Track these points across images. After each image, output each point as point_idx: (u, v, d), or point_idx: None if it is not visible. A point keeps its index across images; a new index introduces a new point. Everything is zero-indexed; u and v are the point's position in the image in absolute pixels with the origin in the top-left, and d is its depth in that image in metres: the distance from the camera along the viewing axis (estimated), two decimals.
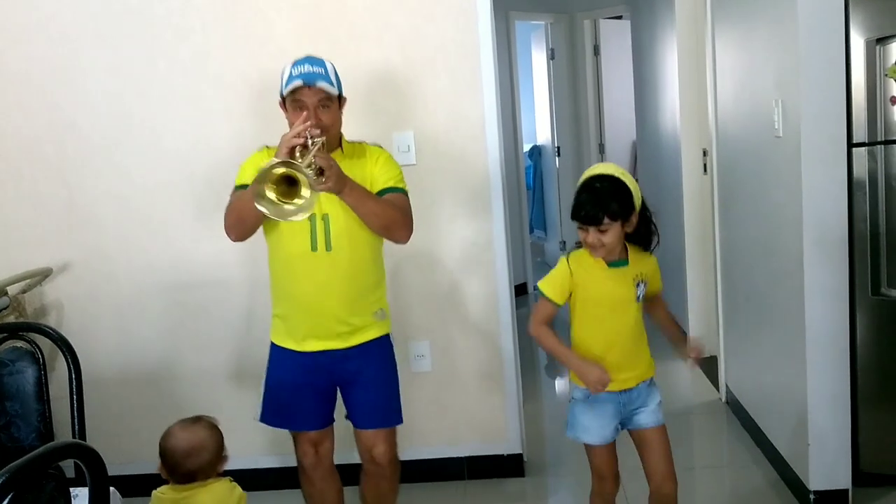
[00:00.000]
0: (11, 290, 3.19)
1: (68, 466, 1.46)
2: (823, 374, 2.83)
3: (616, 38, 7.01)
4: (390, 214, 2.34)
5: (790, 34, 2.79)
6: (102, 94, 3.28)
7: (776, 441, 3.26)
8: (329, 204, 2.32)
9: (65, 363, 2.27)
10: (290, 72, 2.33)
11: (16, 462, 1.25)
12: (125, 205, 3.33)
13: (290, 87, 2.30)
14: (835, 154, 2.73)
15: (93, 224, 3.35)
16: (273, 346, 2.53)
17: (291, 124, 2.30)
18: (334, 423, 2.59)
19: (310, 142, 2.17)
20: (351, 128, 2.51)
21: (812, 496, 2.89)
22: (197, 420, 2.19)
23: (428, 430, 3.37)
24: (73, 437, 2.21)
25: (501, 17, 6.10)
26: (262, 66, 3.23)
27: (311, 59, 2.35)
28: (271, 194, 2.05)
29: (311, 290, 2.39)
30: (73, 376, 2.25)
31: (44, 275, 3.31)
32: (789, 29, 2.79)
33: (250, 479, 3.34)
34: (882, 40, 2.66)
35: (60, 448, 1.35)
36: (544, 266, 7.66)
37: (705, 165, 4.49)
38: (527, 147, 7.67)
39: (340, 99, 2.41)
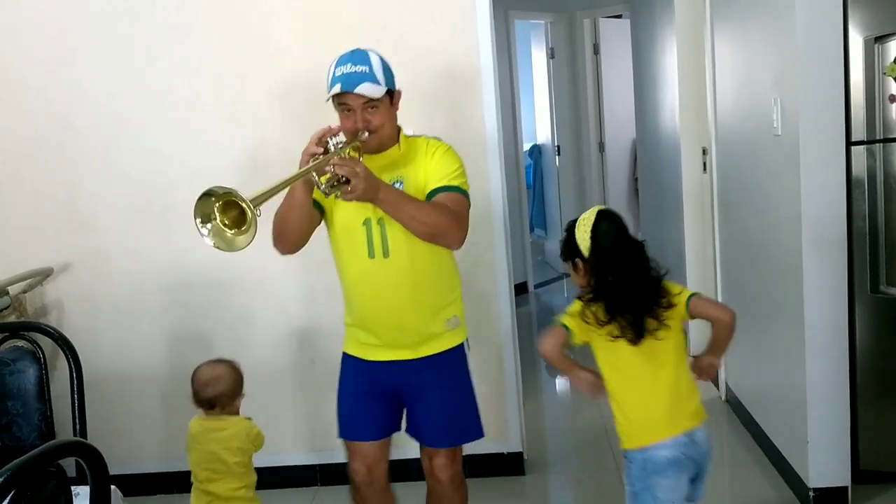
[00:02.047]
0: (12, 289, 3.20)
1: (69, 465, 1.46)
2: (823, 372, 2.83)
3: (616, 36, 7.01)
4: (433, 219, 2.12)
5: (789, 32, 2.79)
6: (100, 94, 3.28)
7: (776, 439, 3.27)
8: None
9: (65, 363, 2.27)
10: (333, 72, 2.16)
11: (17, 460, 1.26)
12: (124, 205, 3.34)
13: (332, 92, 2.15)
14: (833, 152, 2.74)
15: (93, 224, 3.35)
16: (343, 355, 2.41)
17: (341, 126, 2.17)
18: (392, 438, 2.42)
19: (332, 147, 2.06)
20: None
21: (811, 493, 2.89)
22: (222, 361, 2.59)
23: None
24: (74, 435, 2.22)
25: (501, 16, 6.10)
26: (260, 67, 3.24)
27: (354, 57, 2.16)
28: (217, 223, 1.81)
29: (372, 299, 2.27)
30: (74, 375, 2.25)
31: (44, 275, 3.32)
32: (788, 27, 2.80)
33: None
34: (881, 38, 2.66)
35: (62, 446, 1.36)
36: (544, 265, 7.67)
37: (705, 164, 4.49)
38: (527, 146, 7.68)
39: (393, 94, 2.22)
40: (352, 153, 2.14)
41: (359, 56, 2.16)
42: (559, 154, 7.22)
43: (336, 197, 2.05)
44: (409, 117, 3.23)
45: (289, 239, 2.22)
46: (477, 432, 2.40)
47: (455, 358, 2.36)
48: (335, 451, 3.41)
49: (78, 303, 3.40)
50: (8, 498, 1.24)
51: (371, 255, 2.20)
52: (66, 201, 3.34)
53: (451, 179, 2.21)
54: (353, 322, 2.36)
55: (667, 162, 5.16)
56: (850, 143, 2.74)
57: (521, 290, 6.47)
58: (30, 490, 1.30)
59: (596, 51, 7.02)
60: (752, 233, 3.46)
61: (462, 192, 2.23)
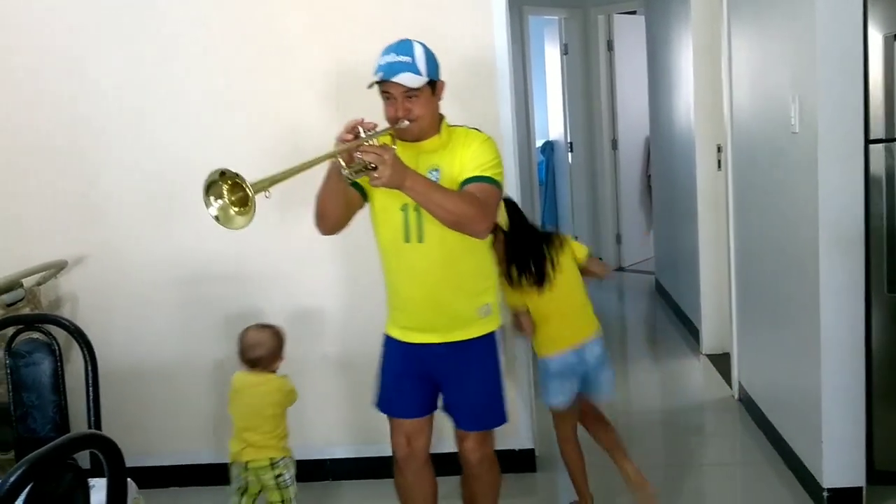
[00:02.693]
0: (27, 282, 3.21)
1: (82, 458, 1.46)
2: (838, 372, 2.81)
3: (630, 33, 6.98)
4: (459, 208, 2.15)
5: (807, 29, 2.77)
6: (115, 88, 3.29)
7: (789, 438, 3.25)
8: None
9: (78, 355, 2.28)
10: (378, 61, 2.25)
11: (35, 452, 1.26)
12: (138, 198, 3.34)
13: (374, 79, 2.23)
14: (852, 150, 2.72)
15: (107, 217, 3.36)
16: (384, 335, 2.52)
17: (384, 113, 2.26)
18: (433, 416, 2.55)
19: (362, 134, 2.12)
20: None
21: (825, 494, 2.88)
22: (267, 326, 2.88)
23: (440, 425, 3.36)
24: (89, 428, 2.22)
25: (515, 11, 6.08)
26: (275, 61, 3.24)
27: (398, 47, 2.24)
28: (224, 199, 1.91)
29: (407, 282, 2.38)
30: (89, 368, 2.26)
31: (59, 267, 3.33)
32: (807, 24, 2.77)
33: None
34: None
35: (79, 438, 1.36)
36: None
37: (719, 161, 4.48)
38: (539, 142, 7.65)
39: (435, 84, 2.29)
40: (384, 141, 2.22)
41: (403, 46, 2.24)
42: (572, 151, 7.20)
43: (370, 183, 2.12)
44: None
45: (327, 220, 2.33)
46: (500, 418, 2.48)
47: (485, 345, 2.43)
48: (345, 446, 3.43)
49: (91, 296, 3.41)
50: (26, 490, 1.24)
51: (407, 239, 2.30)
52: (81, 194, 3.35)
53: (485, 170, 2.25)
54: (389, 303, 2.48)
55: (681, 159, 5.14)
56: (868, 142, 2.72)
57: None
58: (47, 482, 1.30)
59: (610, 47, 6.99)
60: (767, 231, 3.44)
61: (493, 183, 2.26)
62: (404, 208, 2.28)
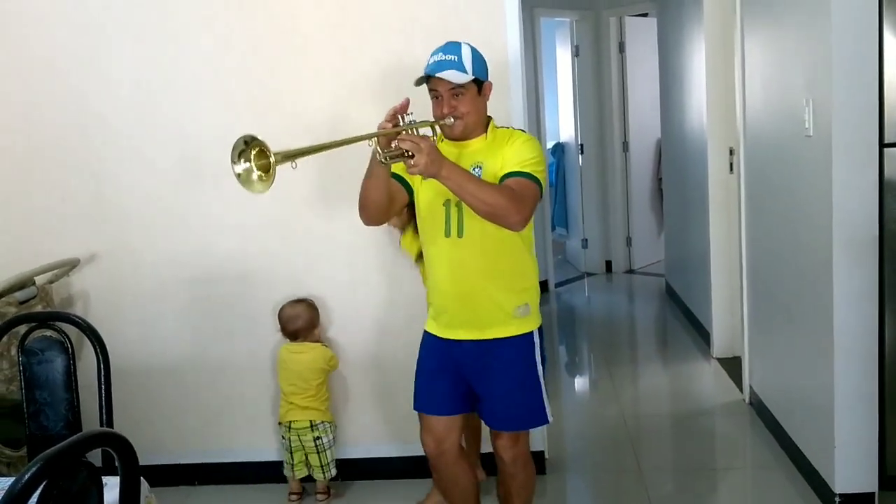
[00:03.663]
0: (39, 280, 3.22)
1: (94, 456, 1.47)
2: (851, 376, 2.80)
3: (642, 35, 6.96)
4: (494, 199, 2.17)
5: (822, 32, 2.76)
6: (128, 85, 3.29)
7: (801, 443, 3.23)
8: None
9: (90, 353, 2.28)
10: (427, 61, 2.32)
11: (50, 450, 1.26)
12: (151, 196, 3.35)
13: (422, 76, 2.31)
14: (866, 154, 2.70)
15: (119, 215, 3.37)
16: (424, 332, 2.54)
17: (433, 112, 2.34)
18: (466, 415, 2.56)
19: (402, 122, 2.17)
20: (376, 120, 2.44)
21: (837, 499, 2.86)
22: (300, 300, 3.24)
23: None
24: (101, 426, 2.23)
25: (527, 13, 6.07)
26: (287, 58, 3.24)
27: (447, 47, 2.32)
28: (251, 163, 2.05)
29: (445, 276, 2.40)
30: (102, 366, 2.26)
31: (71, 265, 3.34)
32: (821, 26, 2.76)
33: (267, 471, 3.37)
34: None
35: (94, 437, 1.36)
36: (565, 264, 7.65)
37: (731, 164, 4.46)
38: (550, 144, 7.64)
39: (482, 84, 2.35)
40: (425, 131, 2.25)
41: (451, 47, 2.31)
42: (582, 153, 7.18)
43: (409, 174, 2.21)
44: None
45: (367, 211, 2.38)
46: (540, 419, 2.49)
47: (522, 345, 2.43)
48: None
49: (103, 293, 3.41)
50: (40, 488, 1.25)
51: (447, 233, 2.34)
52: (93, 192, 3.36)
53: (525, 166, 2.28)
54: (431, 299, 2.53)
55: (692, 162, 5.13)
56: (883, 145, 2.70)
57: (541, 288, 6.42)
58: (62, 480, 1.30)
59: (621, 49, 6.98)
60: (780, 234, 3.42)
61: (532, 179, 2.27)
62: (447, 203, 2.32)
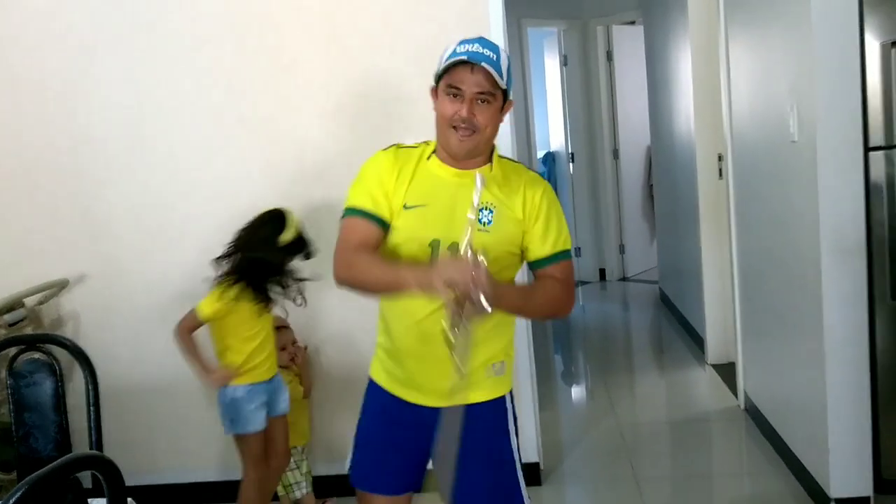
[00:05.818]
0: (28, 301, 3.21)
1: (85, 477, 1.46)
2: (843, 380, 2.80)
3: (629, 43, 7.00)
4: (553, 308, 1.96)
5: (805, 38, 2.77)
6: (118, 105, 3.30)
7: (796, 448, 3.24)
8: (459, 228, 1.77)
9: (81, 374, 2.28)
10: (455, 49, 1.85)
11: (35, 473, 1.26)
12: (141, 216, 3.35)
13: (450, 62, 1.83)
14: (851, 158, 2.72)
15: (109, 235, 3.37)
16: (370, 381, 2.08)
17: (440, 115, 1.87)
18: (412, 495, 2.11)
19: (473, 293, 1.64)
20: (363, 137, 2.39)
21: (832, 503, 2.86)
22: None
23: None
24: (91, 447, 2.22)
25: (514, 24, 6.10)
26: (276, 77, 3.25)
27: (484, 41, 1.87)
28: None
29: (417, 328, 1.90)
30: (90, 387, 2.25)
31: (60, 286, 3.33)
32: (804, 33, 2.78)
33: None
34: None
35: (79, 460, 1.35)
36: None
37: (720, 170, 4.47)
38: (540, 153, 7.66)
39: (505, 98, 1.91)
40: (425, 153, 1.93)
41: (490, 43, 1.87)
42: (573, 161, 7.21)
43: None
44: (422, 126, 3.24)
45: (348, 288, 1.91)
46: (518, 499, 2.03)
47: (495, 413, 2.00)
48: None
49: (94, 314, 3.41)
50: None
51: None
52: (83, 212, 3.36)
53: (565, 243, 1.96)
54: (387, 347, 2.02)
55: (682, 168, 5.15)
56: (868, 149, 2.71)
57: None
58: (48, 502, 1.30)
59: (609, 58, 7.02)
60: (769, 239, 3.43)
61: (570, 254, 1.99)
62: (434, 244, 1.86)
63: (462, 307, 1.68)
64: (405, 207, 1.87)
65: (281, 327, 3.10)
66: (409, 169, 1.91)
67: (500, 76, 1.83)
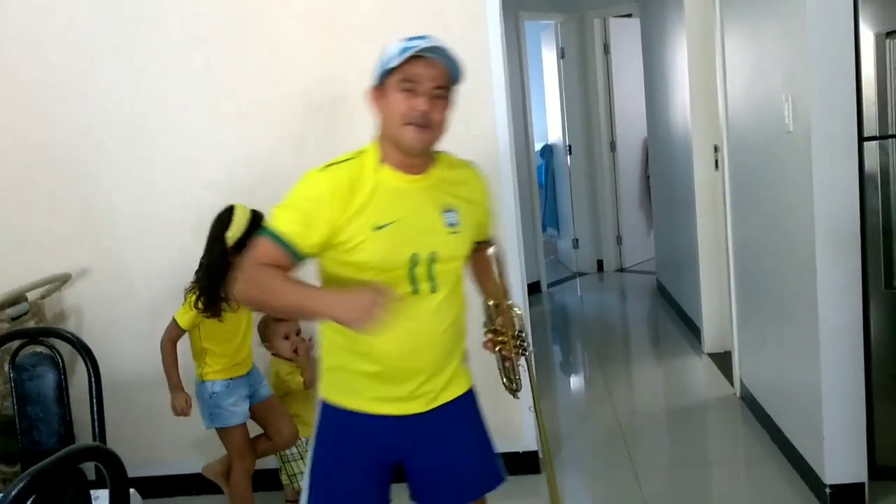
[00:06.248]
0: (31, 295, 3.23)
1: (88, 469, 1.48)
2: (837, 368, 2.83)
3: (626, 36, 7.00)
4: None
5: (799, 29, 2.79)
6: (118, 102, 3.32)
7: (791, 435, 3.26)
8: (433, 237, 1.82)
9: (84, 367, 2.30)
10: (403, 45, 1.74)
11: (38, 465, 1.28)
12: (142, 210, 3.37)
13: (405, 55, 1.72)
14: (846, 148, 2.73)
15: (110, 230, 3.39)
16: (331, 409, 1.93)
17: (393, 112, 1.76)
18: None
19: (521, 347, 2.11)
20: (362, 132, 2.40)
21: (828, 490, 2.88)
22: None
23: None
24: (94, 439, 2.24)
25: (511, 17, 6.10)
26: (274, 73, 3.26)
27: (431, 37, 1.78)
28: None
29: (409, 340, 1.84)
30: (93, 380, 2.28)
31: (63, 280, 3.35)
32: (798, 24, 2.79)
33: (264, 478, 3.37)
34: (892, 34, 2.65)
35: (81, 451, 1.37)
36: (557, 264, 7.68)
37: (717, 161, 4.49)
38: (538, 146, 7.67)
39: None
40: (368, 159, 1.83)
41: (434, 38, 1.78)
42: (570, 153, 7.22)
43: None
44: None
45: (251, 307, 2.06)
46: (499, 476, 2.04)
47: (471, 400, 2.03)
48: None
49: (96, 308, 3.43)
50: (29, 502, 1.26)
51: (416, 291, 1.81)
52: (84, 207, 3.38)
53: (495, 223, 2.13)
54: (373, 371, 1.87)
55: (678, 160, 5.16)
56: (862, 139, 2.73)
57: (534, 289, 6.48)
58: (50, 494, 1.32)
59: (606, 50, 7.02)
60: (765, 230, 3.45)
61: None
62: (413, 258, 1.79)
63: (511, 360, 2.08)
64: (377, 228, 1.75)
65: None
66: (364, 187, 1.78)
67: (457, 70, 1.79)
